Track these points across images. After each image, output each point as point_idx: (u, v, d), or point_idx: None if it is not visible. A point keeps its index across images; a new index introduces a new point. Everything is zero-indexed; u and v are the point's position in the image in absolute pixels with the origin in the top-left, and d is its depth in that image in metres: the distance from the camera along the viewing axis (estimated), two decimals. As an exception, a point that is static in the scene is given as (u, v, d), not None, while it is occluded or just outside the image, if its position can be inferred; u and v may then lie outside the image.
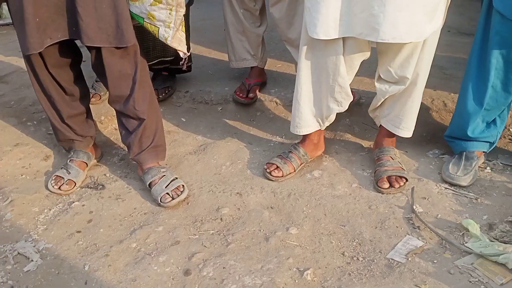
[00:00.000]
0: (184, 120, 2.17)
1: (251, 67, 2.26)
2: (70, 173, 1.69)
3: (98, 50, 1.50)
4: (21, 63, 2.66)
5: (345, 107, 1.64)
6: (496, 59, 1.55)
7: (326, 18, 1.40)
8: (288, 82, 2.36)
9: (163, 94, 2.24)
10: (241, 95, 2.21)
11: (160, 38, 1.50)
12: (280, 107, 2.20)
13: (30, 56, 1.50)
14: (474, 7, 4.24)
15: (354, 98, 2.11)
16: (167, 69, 2.27)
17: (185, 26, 1.59)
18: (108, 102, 1.65)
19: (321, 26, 1.41)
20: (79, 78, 1.68)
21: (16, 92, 2.34)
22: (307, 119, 1.67)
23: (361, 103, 2.12)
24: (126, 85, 1.57)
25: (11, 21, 3.25)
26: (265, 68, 2.32)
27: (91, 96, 1.88)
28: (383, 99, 1.65)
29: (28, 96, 2.26)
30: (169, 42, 1.50)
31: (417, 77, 1.55)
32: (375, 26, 1.35)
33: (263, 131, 2.08)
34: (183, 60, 1.55)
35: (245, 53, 2.21)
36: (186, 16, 1.53)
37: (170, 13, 1.45)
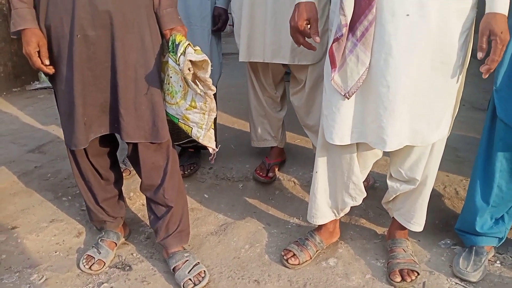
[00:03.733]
0: (207, 197, 2.30)
1: (271, 146, 2.41)
2: (100, 253, 1.82)
3: (134, 144, 1.66)
4: (58, 132, 2.87)
5: (359, 201, 1.75)
6: (500, 162, 1.65)
7: (342, 126, 1.54)
8: (306, 160, 2.48)
9: (188, 171, 2.38)
10: (261, 174, 2.34)
11: (192, 137, 1.65)
12: (298, 187, 2.32)
13: None
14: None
15: (369, 182, 2.22)
16: (193, 146, 2.43)
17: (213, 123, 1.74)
18: (140, 190, 1.79)
19: (336, 133, 1.55)
20: (115, 164, 1.83)
21: (53, 164, 2.52)
22: (323, 210, 1.78)
23: (375, 187, 2.22)
24: (158, 176, 1.72)
25: (49, 85, 3.41)
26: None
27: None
28: (395, 195, 1.76)
29: (64, 169, 2.44)
30: (200, 140, 1.65)
31: (426, 179, 1.65)
32: (383, 137, 1.47)
33: (281, 211, 2.18)
34: (212, 155, 1.68)
35: (266, 134, 2.36)
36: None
37: (203, 117, 1.59)
